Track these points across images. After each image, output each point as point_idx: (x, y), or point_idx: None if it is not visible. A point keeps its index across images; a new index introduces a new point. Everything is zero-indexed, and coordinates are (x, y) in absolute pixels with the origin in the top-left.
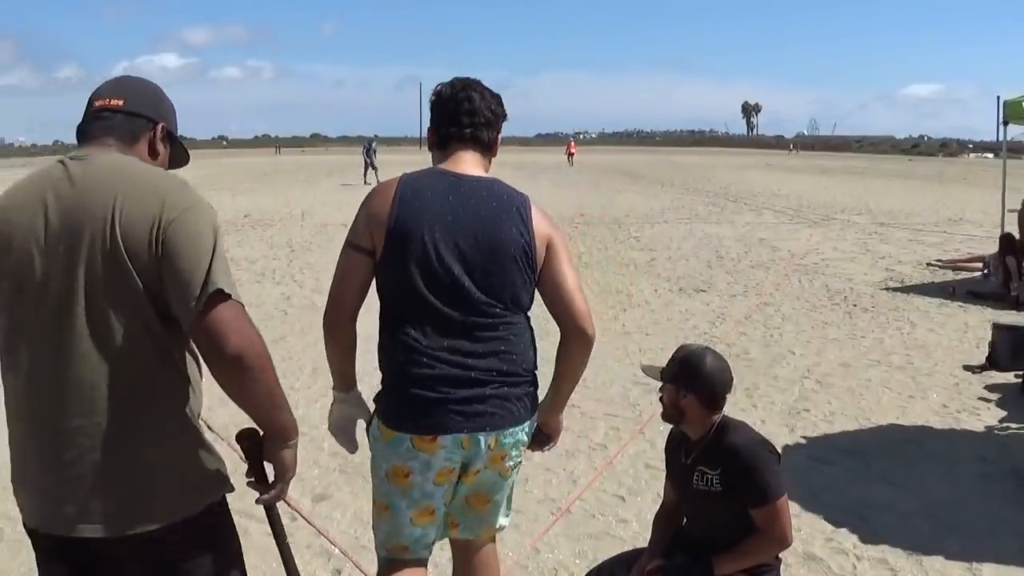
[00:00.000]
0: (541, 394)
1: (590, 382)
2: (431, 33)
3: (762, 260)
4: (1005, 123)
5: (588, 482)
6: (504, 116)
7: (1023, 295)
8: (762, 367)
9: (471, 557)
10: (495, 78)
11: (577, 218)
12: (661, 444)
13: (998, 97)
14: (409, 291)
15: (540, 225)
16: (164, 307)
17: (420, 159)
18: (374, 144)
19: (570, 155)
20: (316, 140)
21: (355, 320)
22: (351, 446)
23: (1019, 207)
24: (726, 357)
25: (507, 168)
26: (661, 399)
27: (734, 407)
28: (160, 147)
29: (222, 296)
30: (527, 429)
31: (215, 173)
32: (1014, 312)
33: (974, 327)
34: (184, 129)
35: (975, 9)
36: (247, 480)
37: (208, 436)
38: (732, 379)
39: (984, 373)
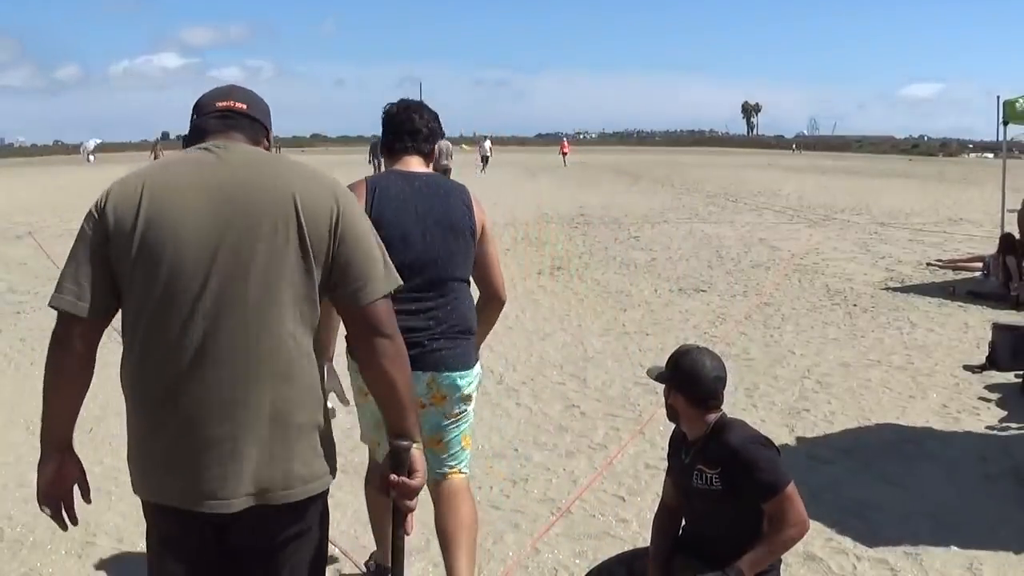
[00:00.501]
0: None
1: (590, 382)
2: (431, 33)
3: (762, 260)
4: (1005, 123)
5: (588, 482)
6: (441, 132)
7: (1023, 295)
8: (762, 367)
9: (445, 496)
10: (495, 78)
11: (577, 218)
12: (661, 444)
13: (998, 97)
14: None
15: (478, 211)
16: (322, 292)
17: None
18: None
19: (563, 155)
20: (316, 140)
21: None
22: (344, 400)
23: (1019, 207)
24: (726, 357)
25: (506, 168)
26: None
27: (734, 407)
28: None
29: (390, 293)
30: (467, 378)
31: None
32: (1014, 312)
33: (974, 327)
34: (184, 129)
35: (975, 9)
36: (392, 489)
37: None
38: (723, 378)
39: (984, 373)
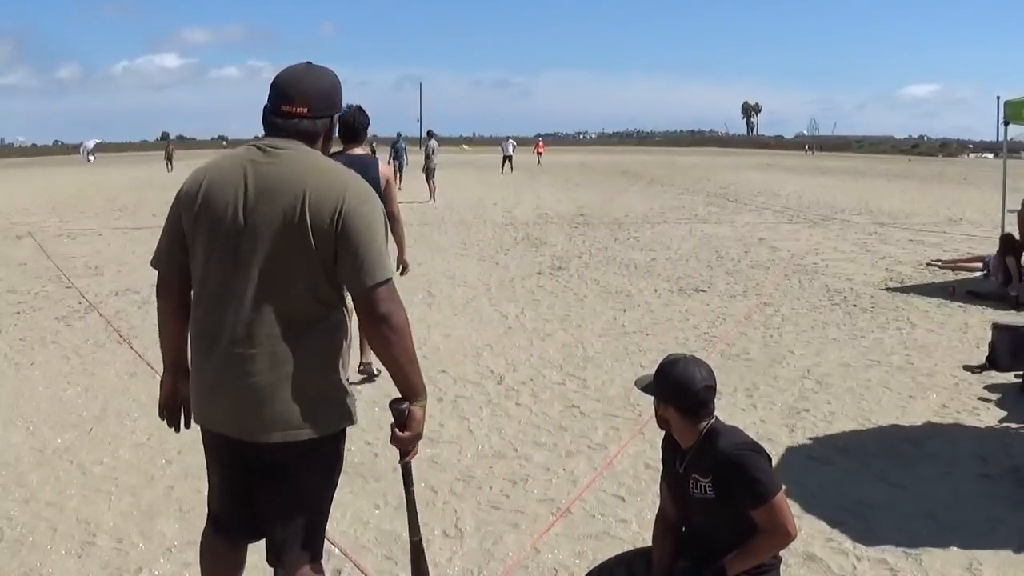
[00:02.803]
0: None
1: (590, 382)
2: (431, 33)
3: (762, 260)
4: (1005, 123)
5: (588, 482)
6: (368, 124)
7: (1023, 295)
8: (762, 367)
9: None
10: (495, 78)
11: (577, 218)
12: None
13: (998, 97)
14: None
15: (384, 172)
16: (331, 273)
17: (418, 159)
18: (403, 144)
19: (538, 155)
20: None
21: None
22: None
23: (1019, 207)
24: (726, 357)
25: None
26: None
27: (734, 407)
28: (332, 132)
29: (385, 280)
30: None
31: None
32: (1014, 312)
33: (974, 327)
34: (184, 129)
35: (973, 9)
36: (392, 440)
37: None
38: (713, 386)
39: (984, 373)
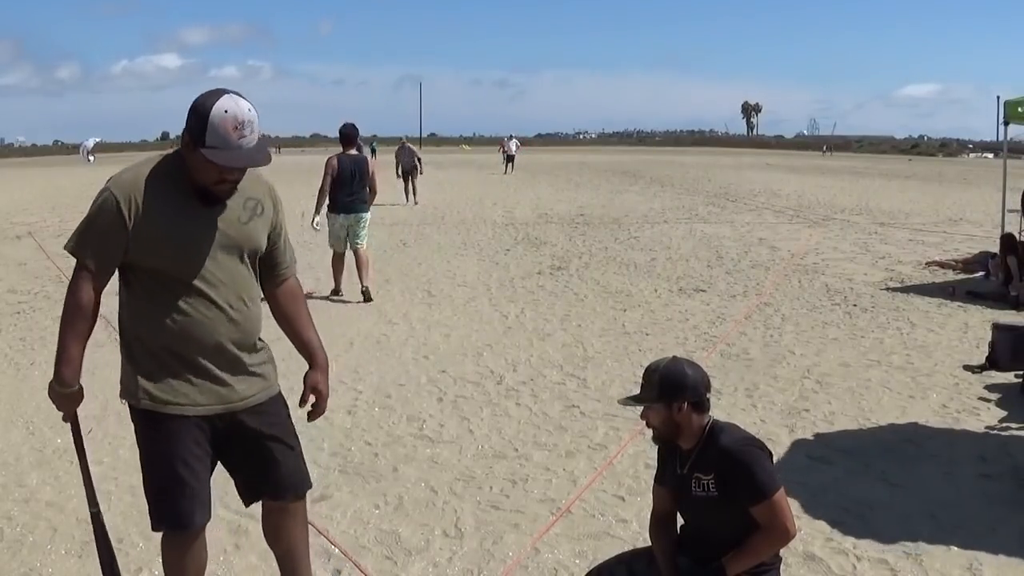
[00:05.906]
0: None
1: (590, 382)
2: (431, 33)
3: (762, 260)
4: (1005, 123)
5: (588, 482)
6: (358, 134)
7: (1023, 295)
8: (762, 367)
9: (358, 253)
10: (494, 78)
11: (577, 218)
12: None
13: (998, 97)
14: (338, 181)
15: (372, 166)
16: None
17: (424, 157)
18: (374, 145)
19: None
20: (316, 140)
21: (328, 194)
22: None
23: (1018, 206)
24: (726, 357)
25: (500, 167)
26: (648, 423)
27: (734, 407)
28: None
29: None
30: (366, 214)
31: None
32: (1014, 312)
33: (974, 327)
34: (182, 128)
35: (971, 9)
36: None
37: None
38: (704, 374)
39: (984, 373)
